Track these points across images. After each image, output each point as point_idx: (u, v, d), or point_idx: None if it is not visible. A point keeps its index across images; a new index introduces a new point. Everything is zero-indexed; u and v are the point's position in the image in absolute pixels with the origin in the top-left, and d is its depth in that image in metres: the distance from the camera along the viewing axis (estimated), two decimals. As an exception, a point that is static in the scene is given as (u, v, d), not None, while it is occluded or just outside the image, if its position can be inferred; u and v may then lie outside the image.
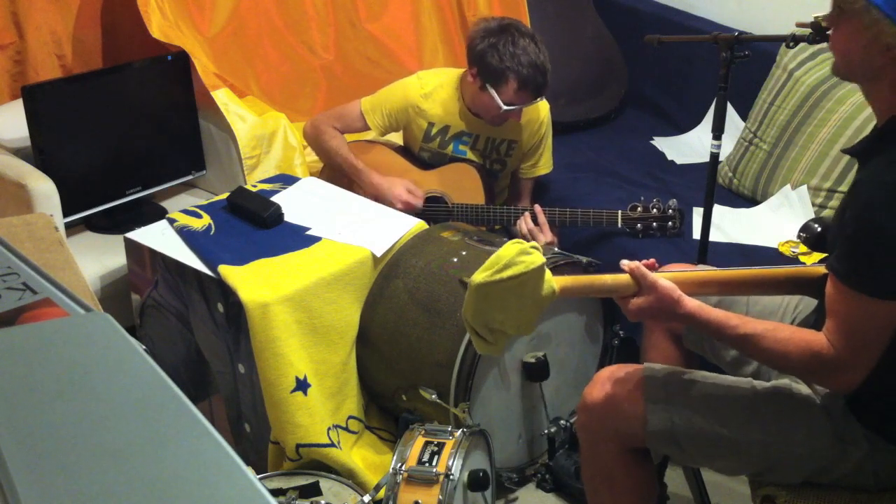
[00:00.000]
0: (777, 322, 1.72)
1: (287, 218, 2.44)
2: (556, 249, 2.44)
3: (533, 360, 2.27)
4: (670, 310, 1.59)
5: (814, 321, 1.73)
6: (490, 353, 1.75)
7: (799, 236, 1.83)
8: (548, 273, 1.59)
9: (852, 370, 1.49)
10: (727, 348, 1.87)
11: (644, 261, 1.63)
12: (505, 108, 2.62)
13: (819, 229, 1.77)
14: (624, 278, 1.61)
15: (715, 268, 1.85)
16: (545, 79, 2.63)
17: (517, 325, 1.62)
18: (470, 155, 2.81)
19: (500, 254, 1.55)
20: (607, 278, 1.64)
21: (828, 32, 1.99)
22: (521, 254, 1.54)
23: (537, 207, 2.68)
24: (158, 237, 2.37)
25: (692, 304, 1.59)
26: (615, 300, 1.66)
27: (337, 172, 2.84)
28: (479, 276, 1.56)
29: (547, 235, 2.64)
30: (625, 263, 1.62)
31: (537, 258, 1.55)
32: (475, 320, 1.61)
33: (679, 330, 1.93)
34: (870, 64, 1.49)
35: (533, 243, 1.58)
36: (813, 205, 2.69)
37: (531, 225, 2.66)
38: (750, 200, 2.92)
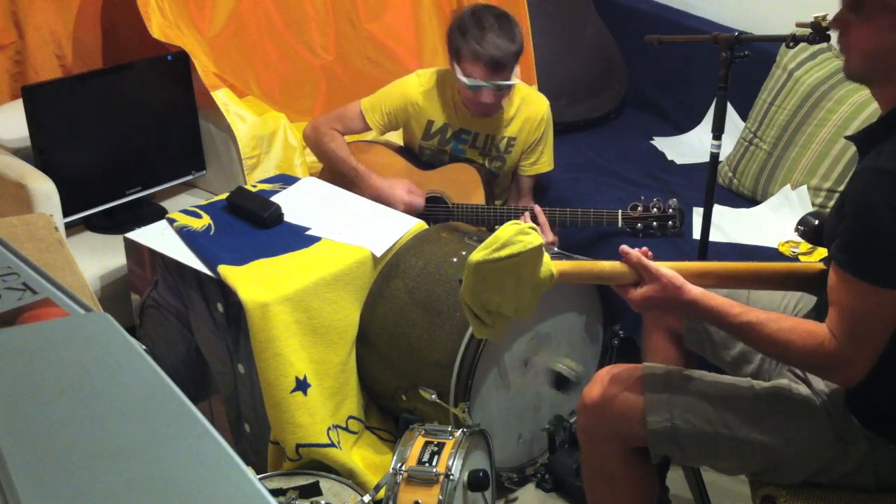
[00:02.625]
0: (779, 313, 1.71)
1: (287, 218, 2.44)
2: (556, 249, 2.44)
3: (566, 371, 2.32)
4: (675, 297, 1.58)
5: (813, 319, 1.72)
6: (489, 337, 1.72)
7: (797, 229, 1.82)
8: (546, 256, 1.58)
9: (854, 363, 1.48)
10: (728, 348, 1.87)
11: (638, 249, 1.62)
12: (465, 81, 2.61)
13: (816, 223, 1.76)
14: (623, 266, 1.61)
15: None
16: (501, 53, 2.58)
17: (515, 307, 1.60)
18: (469, 153, 2.81)
19: (497, 234, 1.54)
20: (606, 265, 1.63)
21: (829, 32, 2.02)
22: (520, 233, 1.53)
23: (537, 208, 2.67)
24: (158, 237, 2.36)
25: (696, 290, 1.58)
26: (615, 289, 1.65)
27: (337, 173, 2.83)
28: (476, 255, 1.55)
29: (548, 235, 2.63)
30: (625, 250, 1.61)
31: (535, 238, 1.54)
32: (473, 301, 1.59)
33: (679, 330, 1.93)
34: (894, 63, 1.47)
35: (531, 224, 1.57)
36: (813, 205, 2.69)
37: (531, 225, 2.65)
38: (750, 200, 2.93)
